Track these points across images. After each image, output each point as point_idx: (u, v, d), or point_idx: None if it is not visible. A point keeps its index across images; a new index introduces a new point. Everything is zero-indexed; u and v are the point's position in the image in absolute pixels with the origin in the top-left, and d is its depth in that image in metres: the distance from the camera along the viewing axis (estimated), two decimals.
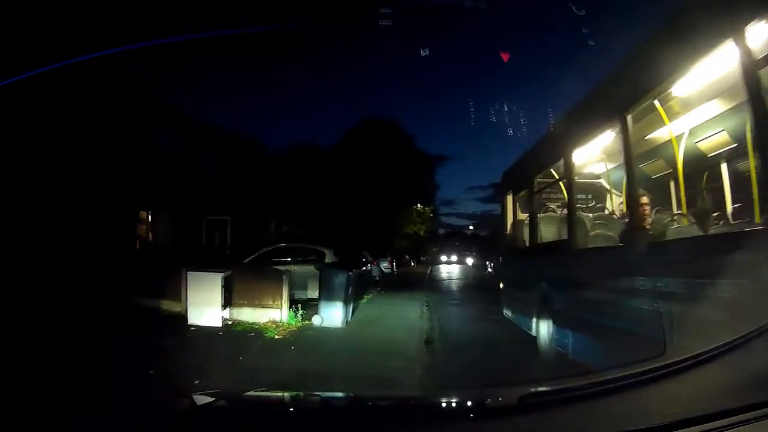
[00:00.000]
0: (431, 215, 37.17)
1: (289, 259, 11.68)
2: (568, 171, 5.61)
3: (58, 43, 5.05)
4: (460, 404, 1.99)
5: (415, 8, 6.39)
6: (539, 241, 6.54)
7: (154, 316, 8.42)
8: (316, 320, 8.58)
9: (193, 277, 8.28)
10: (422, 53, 7.76)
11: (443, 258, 56.36)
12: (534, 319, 6.25)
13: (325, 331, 8.17)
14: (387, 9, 5.99)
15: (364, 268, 18.68)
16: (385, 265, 27.00)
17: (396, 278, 25.13)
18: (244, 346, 6.75)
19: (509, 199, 8.34)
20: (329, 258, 11.96)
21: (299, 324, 8.53)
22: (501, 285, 8.60)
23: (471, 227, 62.83)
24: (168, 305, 8.82)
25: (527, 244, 7.22)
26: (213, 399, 1.86)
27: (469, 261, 48.82)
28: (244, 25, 6.09)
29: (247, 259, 11.83)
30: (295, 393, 2.94)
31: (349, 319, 9.07)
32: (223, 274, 8.34)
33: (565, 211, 5.96)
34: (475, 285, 22.34)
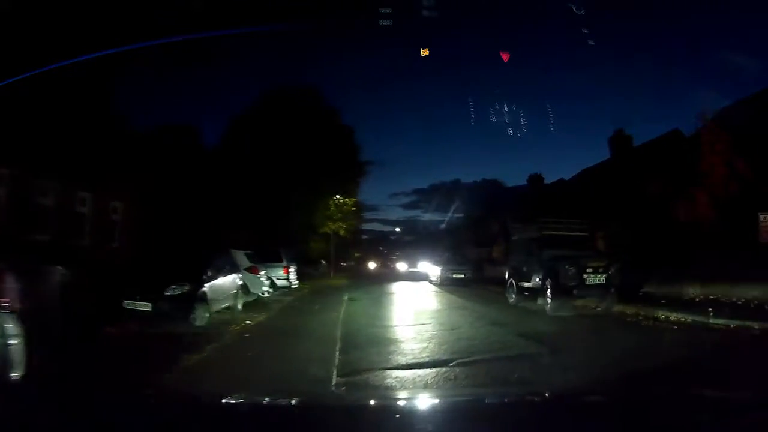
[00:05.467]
0: (353, 209, 29.10)
1: None
2: None
3: None
4: (462, 405, 1.99)
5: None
6: None
7: None
8: None
9: None
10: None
11: (371, 266, 36.87)
12: None
13: None
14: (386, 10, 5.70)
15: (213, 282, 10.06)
16: (279, 274, 18.16)
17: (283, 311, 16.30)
18: None
19: None
20: None
21: None
22: None
23: (398, 229, 54.70)
24: None
25: None
26: (194, 404, 1.85)
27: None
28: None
29: None
30: (280, 398, 2.53)
31: None
32: None
33: None
34: None
